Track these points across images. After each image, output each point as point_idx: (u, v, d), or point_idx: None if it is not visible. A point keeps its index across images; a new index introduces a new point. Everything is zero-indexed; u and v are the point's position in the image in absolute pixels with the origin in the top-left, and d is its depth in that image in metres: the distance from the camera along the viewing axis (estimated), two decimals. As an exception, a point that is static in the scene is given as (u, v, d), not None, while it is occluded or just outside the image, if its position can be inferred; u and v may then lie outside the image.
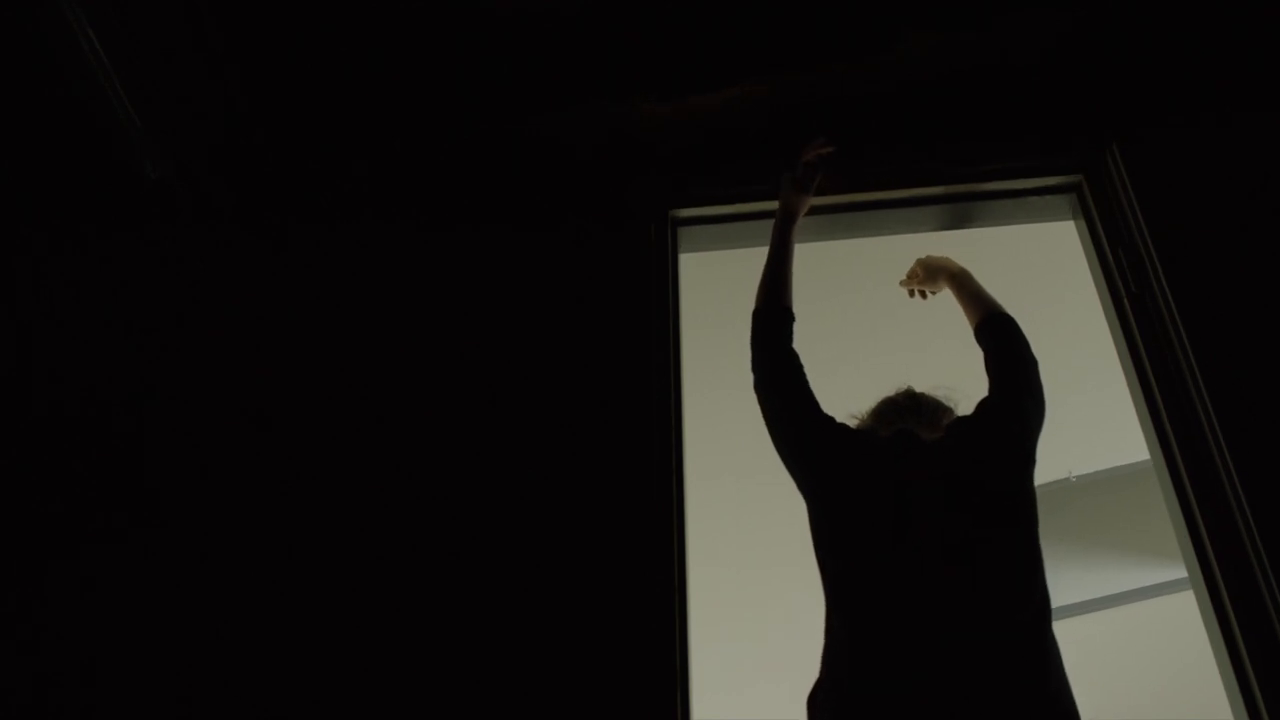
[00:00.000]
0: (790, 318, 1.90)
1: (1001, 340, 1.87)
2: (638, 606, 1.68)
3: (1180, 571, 1.77)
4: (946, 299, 2.18)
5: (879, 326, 3.15)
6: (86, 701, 1.70)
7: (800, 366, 1.83)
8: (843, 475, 1.66)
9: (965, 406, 1.84)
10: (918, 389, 1.89)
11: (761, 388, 1.83)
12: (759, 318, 1.89)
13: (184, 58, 2.11)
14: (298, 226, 2.22)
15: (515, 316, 2.01)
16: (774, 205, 2.11)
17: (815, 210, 2.13)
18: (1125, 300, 1.89)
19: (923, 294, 2.27)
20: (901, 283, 2.28)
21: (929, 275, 2.18)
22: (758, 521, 3.54)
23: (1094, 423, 3.39)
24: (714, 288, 2.93)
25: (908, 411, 1.82)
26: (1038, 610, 1.48)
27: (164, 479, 1.90)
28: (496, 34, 2.16)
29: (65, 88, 1.96)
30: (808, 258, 2.90)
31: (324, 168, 2.30)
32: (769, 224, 2.15)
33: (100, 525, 1.86)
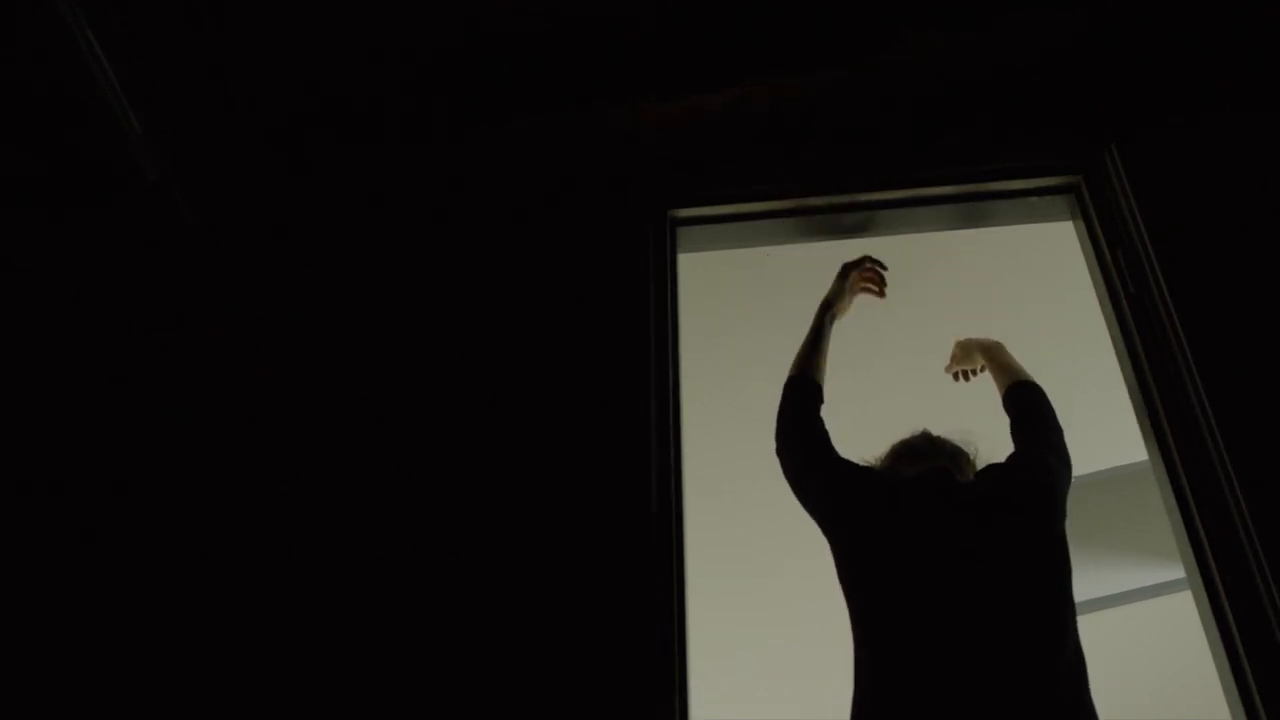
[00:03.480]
0: (820, 395, 1.93)
1: (1025, 406, 1.93)
2: (637, 607, 1.68)
3: (1179, 571, 1.77)
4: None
5: (879, 331, 3.15)
6: (83, 700, 1.70)
7: (826, 434, 1.85)
8: (877, 521, 1.66)
9: (984, 450, 1.87)
10: (934, 432, 1.92)
11: (789, 457, 1.86)
12: (792, 387, 1.93)
13: (184, 58, 2.11)
14: (298, 226, 2.22)
15: (514, 317, 2.01)
16: (774, 205, 2.13)
17: (815, 210, 2.13)
18: (1124, 301, 1.89)
19: (966, 376, 2.32)
20: (947, 368, 2.34)
21: (965, 354, 2.25)
22: (756, 525, 3.54)
23: (1093, 423, 3.39)
24: (710, 290, 2.93)
25: (928, 455, 1.84)
26: (1073, 660, 1.47)
27: (163, 479, 1.90)
28: (496, 34, 2.17)
29: (64, 88, 1.96)
30: (804, 260, 2.91)
31: (324, 167, 2.30)
32: (768, 224, 2.16)
33: (98, 524, 1.86)
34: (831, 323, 2.06)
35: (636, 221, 2.09)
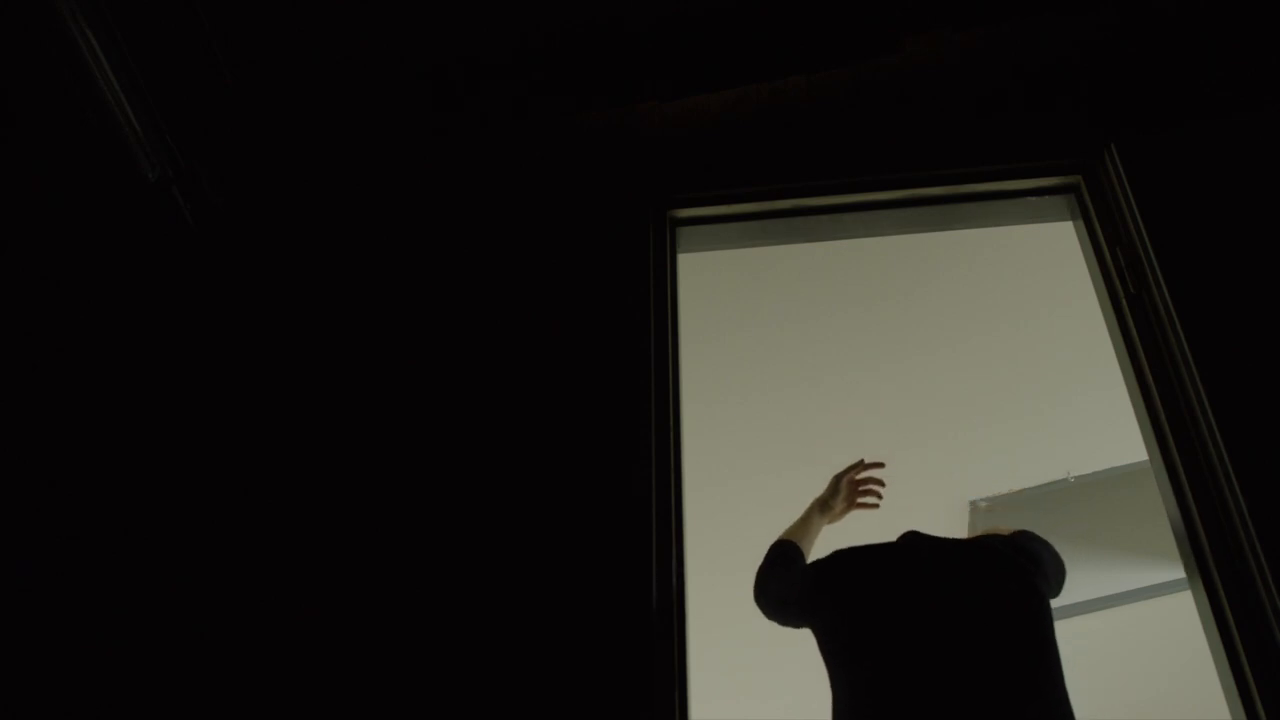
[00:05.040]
0: (802, 558, 1.94)
1: (1023, 535, 1.92)
2: (636, 604, 1.68)
3: (1179, 571, 1.78)
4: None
5: (882, 331, 3.16)
6: (80, 702, 1.70)
7: (809, 584, 1.82)
8: (860, 584, 1.66)
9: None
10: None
11: (767, 600, 1.86)
12: (778, 546, 1.94)
13: (183, 59, 2.11)
14: (297, 227, 2.22)
15: (514, 317, 2.02)
16: (774, 205, 2.13)
17: (814, 210, 2.14)
18: (1123, 301, 1.89)
19: None
20: None
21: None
22: (755, 521, 3.54)
23: (1093, 423, 3.39)
24: (710, 290, 2.93)
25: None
26: (1059, 707, 1.49)
27: (161, 478, 1.90)
28: (497, 38, 2.17)
29: (64, 89, 1.96)
30: (804, 260, 2.91)
31: (324, 167, 2.31)
32: (767, 224, 2.16)
33: (98, 524, 1.86)
34: (821, 519, 2.07)
35: (636, 221, 2.10)
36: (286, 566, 1.80)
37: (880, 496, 2.14)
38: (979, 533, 2.13)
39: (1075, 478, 3.60)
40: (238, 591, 1.78)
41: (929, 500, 3.61)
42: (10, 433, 1.97)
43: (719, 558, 3.60)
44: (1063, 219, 2.14)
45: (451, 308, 2.05)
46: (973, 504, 3.66)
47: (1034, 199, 2.11)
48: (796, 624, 1.80)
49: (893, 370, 3.20)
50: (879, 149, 2.14)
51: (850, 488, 2.11)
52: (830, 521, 2.10)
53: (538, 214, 2.16)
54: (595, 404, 1.89)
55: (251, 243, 2.21)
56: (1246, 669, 1.52)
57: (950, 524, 3.71)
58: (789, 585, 1.81)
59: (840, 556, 1.75)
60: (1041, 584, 1.65)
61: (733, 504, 3.52)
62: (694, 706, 1.69)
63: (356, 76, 2.26)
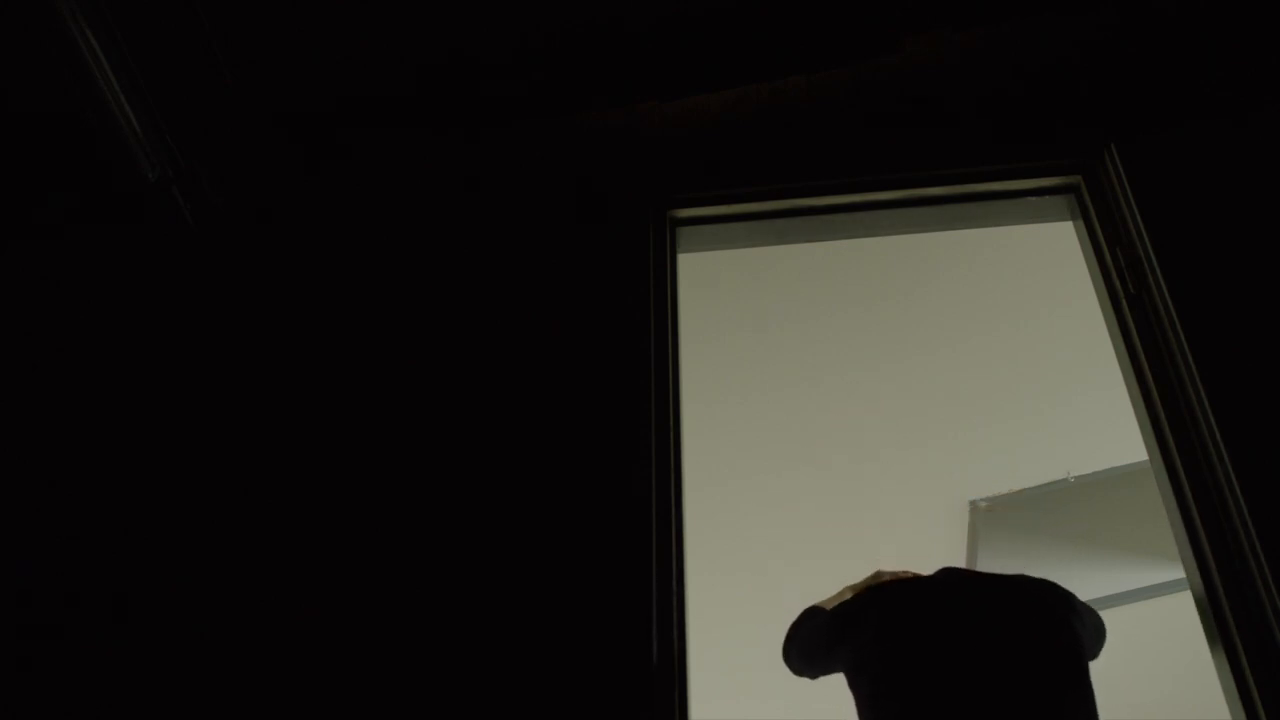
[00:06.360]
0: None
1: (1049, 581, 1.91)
2: (636, 605, 1.68)
3: (1179, 571, 1.78)
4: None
5: (882, 330, 3.16)
6: (81, 702, 1.70)
7: (837, 623, 1.80)
8: (896, 635, 1.64)
9: None
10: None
11: (797, 656, 1.86)
12: (811, 610, 1.93)
13: (183, 59, 2.11)
14: (297, 226, 2.22)
15: (513, 318, 2.02)
16: (774, 205, 2.13)
17: (814, 211, 2.14)
18: (1123, 301, 1.89)
19: None
20: None
21: None
22: (755, 521, 3.55)
23: (1093, 423, 3.39)
24: (710, 290, 2.93)
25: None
26: None
27: (161, 478, 1.90)
28: (501, 38, 2.17)
29: (64, 89, 1.96)
30: (804, 260, 2.91)
31: (323, 167, 2.31)
32: (768, 224, 2.17)
33: (96, 523, 1.86)
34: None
35: (637, 221, 2.10)
36: (286, 567, 1.80)
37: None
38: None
39: (1075, 478, 3.60)
40: (238, 592, 1.78)
41: (929, 500, 3.61)
42: (10, 433, 1.97)
43: (719, 558, 3.60)
44: (1063, 219, 2.14)
45: (451, 308, 2.05)
46: (973, 504, 3.66)
47: (1034, 199, 2.11)
48: (825, 668, 1.79)
49: (893, 370, 3.20)
50: (879, 149, 2.14)
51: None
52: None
53: (538, 214, 2.16)
54: (595, 404, 1.89)
55: (251, 243, 2.21)
56: (1246, 669, 1.52)
57: (950, 524, 3.72)
58: (815, 633, 1.81)
59: (873, 593, 1.74)
60: (1075, 622, 1.64)
61: (733, 504, 3.52)
62: (694, 707, 1.69)
63: (356, 76, 2.26)
